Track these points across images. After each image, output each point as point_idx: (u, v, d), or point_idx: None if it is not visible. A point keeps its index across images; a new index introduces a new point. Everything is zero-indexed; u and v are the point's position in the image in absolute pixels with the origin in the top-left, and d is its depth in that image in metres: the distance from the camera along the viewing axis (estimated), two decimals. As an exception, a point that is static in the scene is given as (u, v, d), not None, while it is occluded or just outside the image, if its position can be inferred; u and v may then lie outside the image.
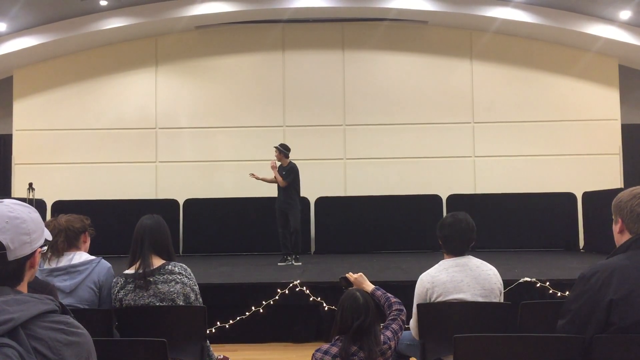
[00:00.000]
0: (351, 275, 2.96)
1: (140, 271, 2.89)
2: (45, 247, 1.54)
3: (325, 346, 2.41)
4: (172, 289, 2.91)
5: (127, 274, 2.96)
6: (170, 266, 2.96)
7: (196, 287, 3.04)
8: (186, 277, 2.99)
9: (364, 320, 2.35)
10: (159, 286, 2.90)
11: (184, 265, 3.03)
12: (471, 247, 3.01)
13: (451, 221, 2.98)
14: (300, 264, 7.15)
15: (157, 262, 2.95)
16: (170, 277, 2.93)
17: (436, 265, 2.99)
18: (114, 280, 3.01)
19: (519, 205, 9.05)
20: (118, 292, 2.94)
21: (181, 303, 2.93)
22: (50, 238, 1.57)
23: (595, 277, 2.00)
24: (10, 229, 1.32)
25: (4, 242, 1.30)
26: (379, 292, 2.81)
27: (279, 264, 7.18)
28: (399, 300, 2.76)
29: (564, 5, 9.04)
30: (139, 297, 2.89)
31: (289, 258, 7.25)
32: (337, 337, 2.42)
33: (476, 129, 9.77)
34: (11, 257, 1.31)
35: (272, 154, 10.12)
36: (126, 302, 2.91)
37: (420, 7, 9.14)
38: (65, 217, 3.09)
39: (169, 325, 2.85)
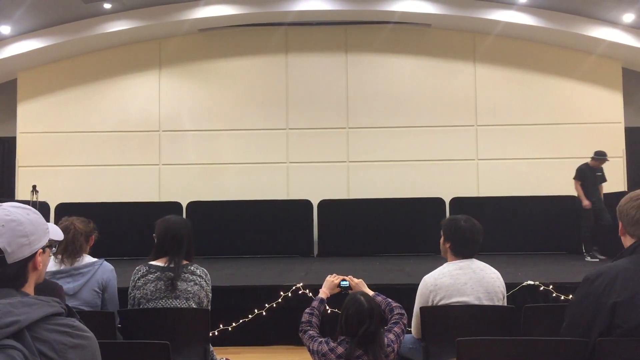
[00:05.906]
0: (352, 280, 2.95)
1: (172, 265, 2.93)
2: (55, 249, 1.54)
3: (333, 343, 2.41)
4: (189, 289, 2.94)
5: (152, 265, 2.98)
6: (192, 267, 3.02)
7: (210, 295, 3.09)
8: (205, 281, 3.04)
9: (369, 325, 2.34)
10: (178, 283, 2.93)
11: (205, 270, 3.08)
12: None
13: (468, 225, 2.95)
14: (588, 259, 7.72)
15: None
16: (191, 277, 2.98)
17: (440, 268, 2.99)
18: (136, 267, 3.05)
19: (522, 208, 9.01)
20: (138, 279, 2.96)
21: (193, 305, 2.95)
22: (60, 238, 1.56)
23: (599, 280, 2.02)
24: (6, 232, 1.32)
25: (1, 246, 1.31)
26: (379, 298, 2.80)
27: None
28: (400, 305, 2.75)
29: (567, 8, 9.03)
30: (157, 288, 2.92)
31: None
32: (342, 337, 2.41)
33: (479, 132, 9.76)
34: (10, 260, 1.32)
35: (275, 157, 10.14)
36: (143, 291, 2.92)
37: (423, 10, 9.13)
38: (78, 220, 3.14)
39: (172, 328, 2.86)
